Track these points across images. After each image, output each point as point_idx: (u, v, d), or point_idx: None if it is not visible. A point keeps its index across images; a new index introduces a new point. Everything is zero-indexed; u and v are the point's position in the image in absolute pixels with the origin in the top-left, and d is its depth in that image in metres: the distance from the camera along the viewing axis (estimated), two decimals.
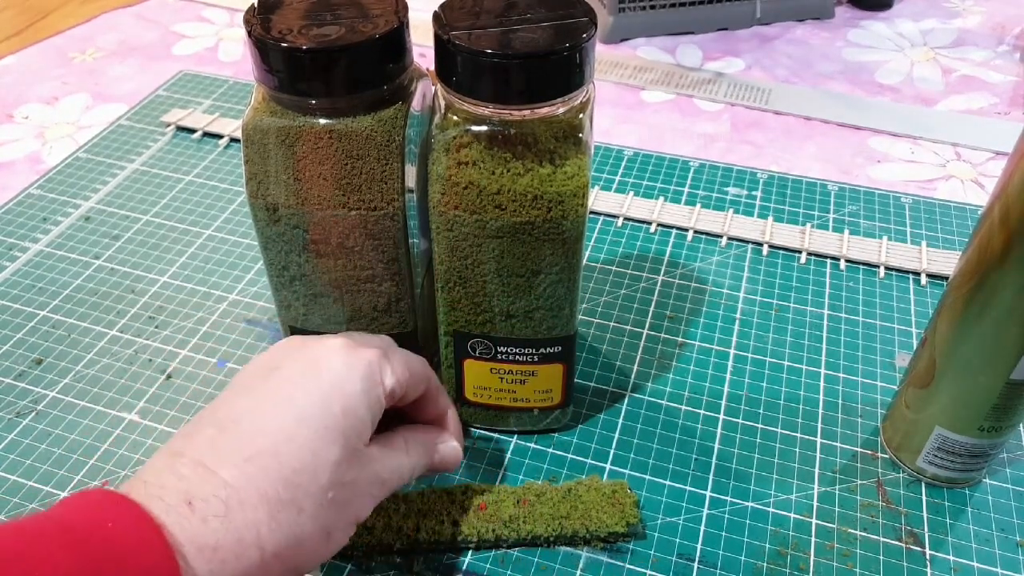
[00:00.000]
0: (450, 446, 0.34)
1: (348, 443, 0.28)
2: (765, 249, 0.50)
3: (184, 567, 0.23)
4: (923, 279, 0.48)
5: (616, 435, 0.40)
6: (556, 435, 0.40)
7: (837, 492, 0.37)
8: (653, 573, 0.34)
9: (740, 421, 0.40)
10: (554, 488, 0.36)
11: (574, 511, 0.35)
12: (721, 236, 0.51)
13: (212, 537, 0.24)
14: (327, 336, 0.30)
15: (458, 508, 0.35)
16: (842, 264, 0.49)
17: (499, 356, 0.36)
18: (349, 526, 0.29)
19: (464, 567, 0.34)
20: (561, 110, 0.30)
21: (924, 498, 0.37)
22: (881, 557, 0.35)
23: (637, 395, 0.42)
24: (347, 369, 0.29)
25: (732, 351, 0.44)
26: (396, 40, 0.30)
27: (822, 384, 0.42)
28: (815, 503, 0.37)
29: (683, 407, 0.41)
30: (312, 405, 0.27)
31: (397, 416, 0.33)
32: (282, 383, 0.28)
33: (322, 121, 0.30)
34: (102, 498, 0.24)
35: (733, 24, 0.75)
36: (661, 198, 0.54)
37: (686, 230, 0.52)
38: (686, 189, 0.55)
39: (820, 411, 0.41)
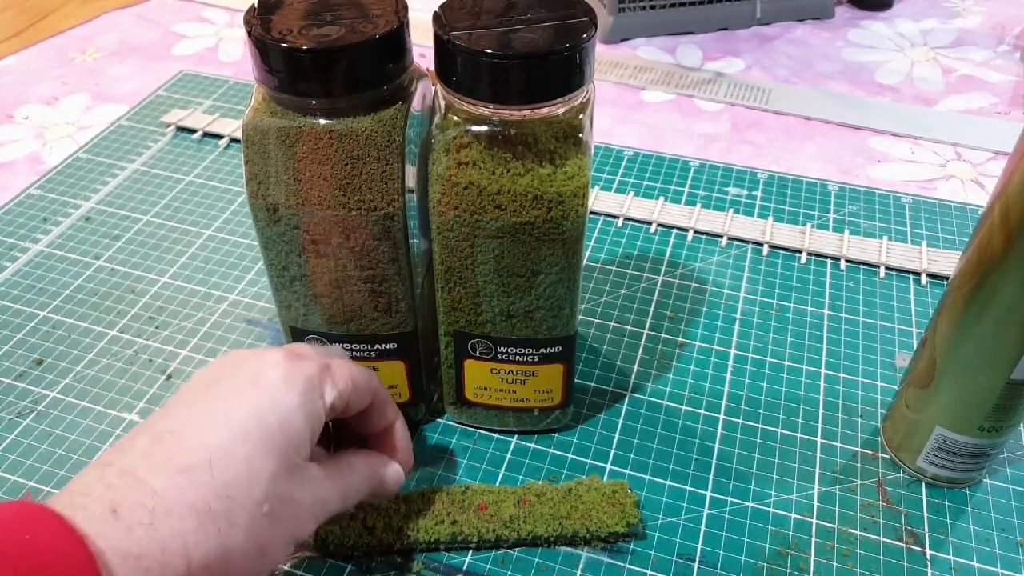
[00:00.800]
0: (393, 470, 0.33)
1: (285, 457, 0.28)
2: (765, 249, 0.50)
3: (106, 575, 0.23)
4: (923, 279, 0.48)
5: (616, 435, 0.40)
6: (556, 435, 0.40)
7: (837, 492, 0.37)
8: (653, 573, 0.34)
9: (740, 421, 0.40)
10: (554, 488, 0.36)
11: (574, 511, 0.35)
12: (721, 236, 0.51)
13: (136, 545, 0.24)
14: (268, 349, 0.30)
15: (458, 508, 0.35)
16: (842, 264, 0.49)
17: (499, 356, 0.36)
18: (286, 543, 0.28)
19: (464, 567, 0.34)
20: (561, 110, 0.30)
21: (924, 498, 0.37)
22: (881, 557, 0.35)
23: (637, 395, 0.42)
24: (285, 383, 0.28)
25: (732, 351, 0.44)
26: (396, 40, 0.30)
27: (822, 384, 0.42)
28: (815, 503, 0.37)
29: (683, 407, 0.41)
30: (249, 419, 0.27)
31: (346, 427, 0.33)
32: (220, 396, 0.28)
33: (322, 121, 0.30)
34: (21, 509, 0.24)
35: (733, 24, 0.75)
36: (661, 198, 0.54)
37: (686, 230, 0.52)
38: (686, 189, 0.56)
39: (820, 411, 0.41)
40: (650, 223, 0.53)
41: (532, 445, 0.39)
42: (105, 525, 0.24)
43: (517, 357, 0.36)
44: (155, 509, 0.25)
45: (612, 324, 0.46)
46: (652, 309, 0.47)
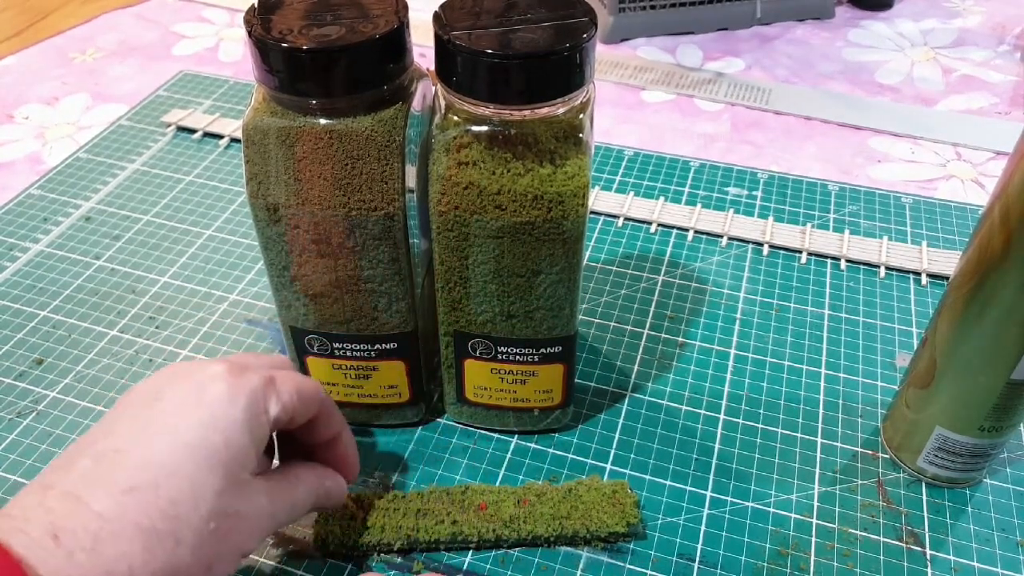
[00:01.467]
0: (336, 483, 0.33)
1: (230, 473, 0.27)
2: (765, 249, 0.50)
3: None
4: (923, 279, 0.48)
5: (616, 435, 0.40)
6: (556, 435, 0.40)
7: (837, 492, 0.37)
8: (653, 573, 0.34)
9: (740, 421, 0.40)
10: (554, 488, 0.36)
11: (574, 511, 0.35)
12: (721, 236, 0.51)
13: (78, 571, 0.24)
14: (211, 362, 0.30)
15: (458, 508, 0.35)
16: (842, 264, 0.49)
17: (499, 356, 0.36)
18: (234, 559, 0.28)
19: (464, 567, 0.34)
20: (561, 110, 0.30)
21: (924, 498, 0.37)
22: (881, 557, 0.35)
23: (637, 395, 0.42)
24: (229, 397, 0.28)
25: (732, 351, 0.44)
26: (396, 40, 0.30)
27: (822, 384, 0.42)
28: (815, 503, 0.37)
29: (683, 407, 0.41)
30: (193, 435, 0.27)
31: (291, 438, 0.33)
32: (163, 412, 0.28)
33: (322, 121, 0.30)
34: None
35: (733, 24, 0.75)
36: (661, 198, 0.54)
37: (686, 230, 0.52)
38: (686, 189, 0.55)
39: (820, 411, 0.41)
40: (650, 223, 0.53)
41: (532, 445, 0.39)
42: (45, 551, 0.24)
43: (517, 357, 0.36)
44: (99, 532, 0.24)
45: (612, 324, 0.46)
46: (652, 309, 0.47)
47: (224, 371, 0.29)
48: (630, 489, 0.36)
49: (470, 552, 0.35)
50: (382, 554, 0.35)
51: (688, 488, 0.37)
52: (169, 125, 0.61)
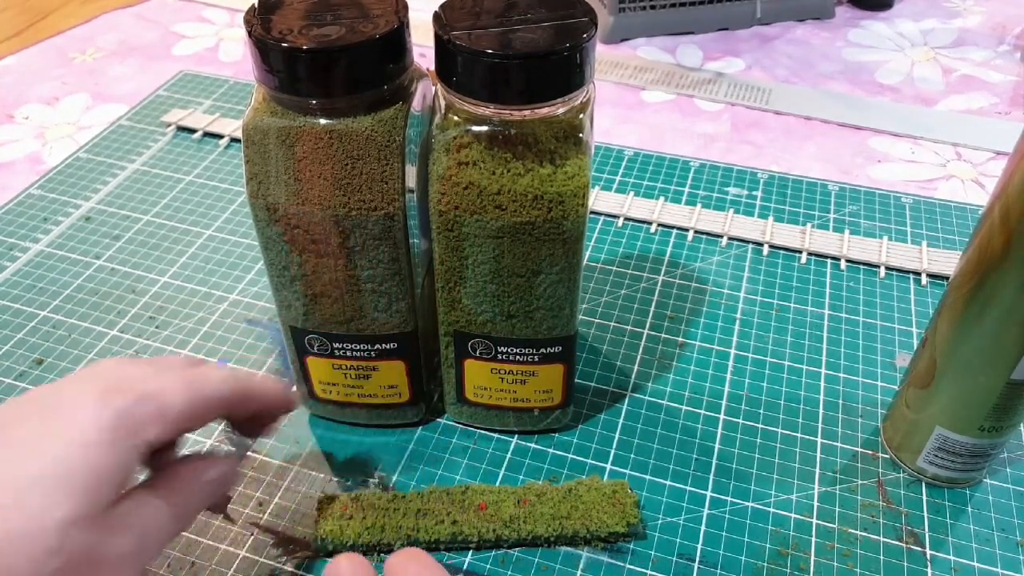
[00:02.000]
0: (226, 466, 0.30)
1: (84, 505, 0.24)
2: (765, 249, 0.50)
3: None
4: (923, 279, 0.48)
5: (616, 435, 0.40)
6: (556, 435, 0.40)
7: (837, 492, 0.37)
8: (654, 573, 0.34)
9: (740, 421, 0.40)
10: (555, 488, 0.36)
11: (575, 511, 0.35)
12: (721, 236, 0.51)
13: None
14: (84, 380, 0.27)
15: (458, 508, 0.35)
16: (842, 264, 0.49)
17: (499, 356, 0.36)
18: None
19: (464, 567, 0.34)
20: (561, 110, 0.30)
21: (924, 498, 0.37)
22: (881, 557, 0.35)
23: (637, 395, 0.42)
24: (94, 421, 0.25)
25: (732, 351, 0.44)
26: (396, 40, 0.30)
27: (822, 384, 0.42)
28: (815, 503, 0.37)
29: (683, 407, 0.41)
30: (44, 461, 0.24)
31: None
32: (20, 434, 0.25)
33: (322, 121, 0.30)
34: None
35: (733, 24, 0.75)
36: (661, 198, 0.54)
37: (686, 230, 0.52)
38: (686, 189, 0.56)
39: (820, 411, 0.41)
40: (650, 223, 0.53)
41: (532, 445, 0.39)
42: None
43: (517, 357, 0.36)
44: None
45: (612, 324, 0.46)
46: (652, 309, 0.47)
47: (97, 392, 0.26)
48: (630, 489, 0.36)
49: (470, 552, 0.35)
50: (382, 554, 0.35)
51: (688, 488, 0.37)
52: (169, 125, 0.61)
